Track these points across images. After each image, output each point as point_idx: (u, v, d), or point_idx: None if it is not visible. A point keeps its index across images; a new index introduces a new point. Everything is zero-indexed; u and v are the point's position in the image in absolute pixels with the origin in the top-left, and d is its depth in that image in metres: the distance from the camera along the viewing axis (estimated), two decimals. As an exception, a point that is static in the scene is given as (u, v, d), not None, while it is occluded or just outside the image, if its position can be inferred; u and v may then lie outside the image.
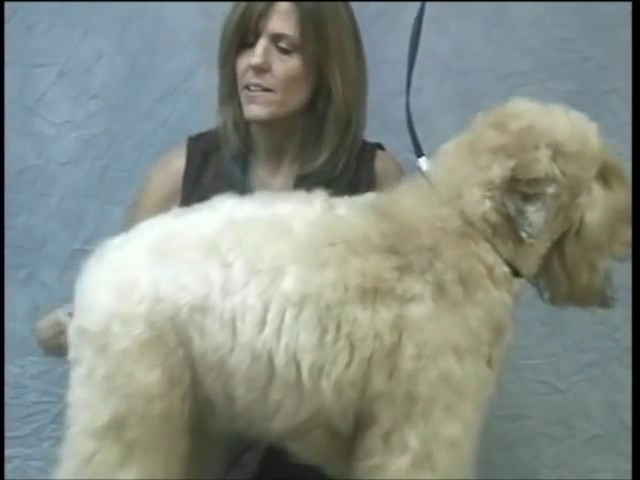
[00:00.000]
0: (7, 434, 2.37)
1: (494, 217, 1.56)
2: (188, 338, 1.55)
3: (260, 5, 1.84)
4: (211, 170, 1.97)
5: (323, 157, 1.90)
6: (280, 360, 1.53)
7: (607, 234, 1.60)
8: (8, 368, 2.37)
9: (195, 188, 1.94)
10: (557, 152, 1.56)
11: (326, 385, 1.53)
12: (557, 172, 1.56)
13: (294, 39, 1.85)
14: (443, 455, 1.53)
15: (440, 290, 1.54)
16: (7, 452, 2.38)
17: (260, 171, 1.96)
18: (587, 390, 2.35)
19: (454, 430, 1.53)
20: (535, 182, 1.54)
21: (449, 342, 1.53)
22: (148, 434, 1.55)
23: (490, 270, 1.56)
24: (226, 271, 1.55)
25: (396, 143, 2.16)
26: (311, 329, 1.52)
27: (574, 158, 1.58)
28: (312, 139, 1.92)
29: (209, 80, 2.28)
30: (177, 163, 1.99)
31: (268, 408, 1.56)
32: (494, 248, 1.57)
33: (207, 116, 2.27)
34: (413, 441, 1.53)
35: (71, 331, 1.63)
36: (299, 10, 1.85)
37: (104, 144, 2.35)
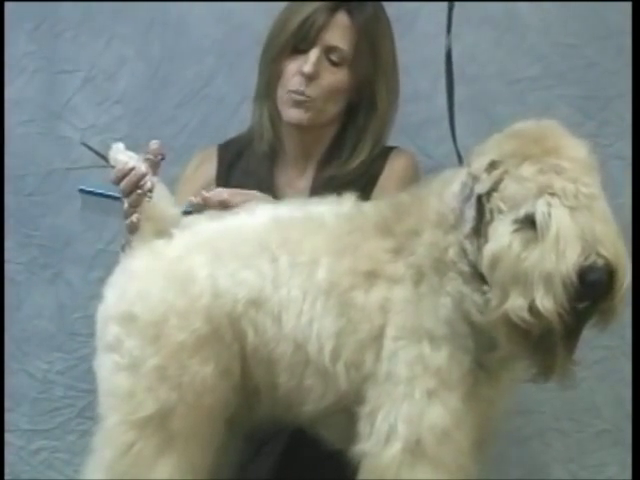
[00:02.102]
0: (35, 427, 2.43)
1: (454, 203, 1.57)
2: (243, 333, 1.59)
3: (321, 17, 1.90)
4: (241, 167, 2.03)
5: (355, 163, 1.96)
6: (312, 347, 1.59)
7: (498, 279, 1.48)
8: (35, 364, 2.42)
9: (227, 187, 1.97)
10: (507, 170, 1.50)
11: (340, 369, 1.59)
12: (486, 179, 1.51)
13: (346, 53, 1.92)
14: (432, 442, 1.55)
15: (420, 275, 1.58)
16: (35, 445, 2.43)
17: (288, 171, 2.02)
18: (595, 386, 2.36)
19: (439, 417, 1.55)
20: (470, 176, 1.54)
21: (424, 328, 1.56)
22: (192, 425, 1.57)
23: (453, 263, 1.57)
24: (274, 265, 1.60)
25: (410, 146, 2.21)
26: (334, 316, 1.58)
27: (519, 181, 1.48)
28: (346, 148, 1.98)
29: (228, 86, 2.36)
30: (209, 166, 2.05)
31: (302, 393, 1.61)
32: (459, 243, 1.56)
33: (226, 121, 2.35)
34: (400, 426, 1.55)
35: (107, 315, 1.62)
36: (356, 27, 1.91)
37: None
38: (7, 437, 2.40)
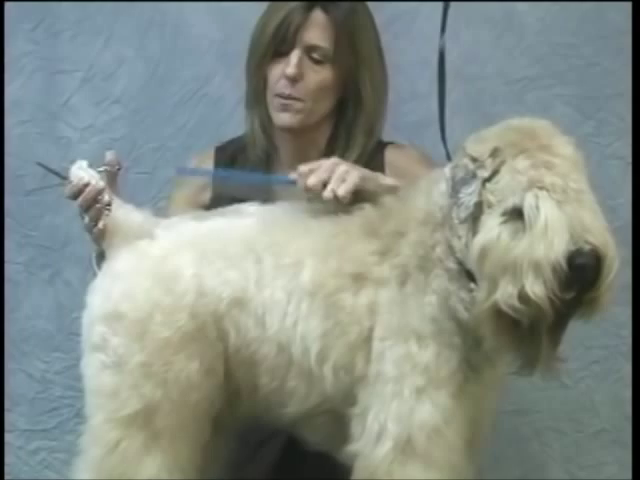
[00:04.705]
0: (33, 427, 2.43)
1: (443, 201, 1.57)
2: (226, 333, 1.61)
3: (297, 17, 1.89)
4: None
5: (350, 161, 1.92)
6: (297, 349, 1.59)
7: (486, 271, 1.48)
8: (34, 364, 2.43)
9: (224, 189, 1.98)
10: (504, 160, 1.51)
11: (327, 371, 1.59)
12: (490, 165, 1.52)
13: (328, 51, 1.91)
14: (423, 440, 1.56)
15: (405, 275, 1.59)
16: (33, 445, 2.43)
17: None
18: (593, 386, 2.37)
19: (429, 414, 1.56)
20: (472, 159, 1.54)
21: (410, 326, 1.57)
22: (177, 423, 1.59)
23: (440, 261, 1.58)
24: (259, 267, 1.61)
25: (408, 146, 2.22)
26: (320, 318, 1.59)
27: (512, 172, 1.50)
28: (339, 145, 1.98)
29: (226, 86, 2.37)
30: (207, 166, 2.05)
31: (284, 395, 1.62)
32: (447, 241, 1.57)
33: (224, 121, 2.35)
34: (390, 425, 1.56)
35: (93, 316, 1.63)
36: (334, 23, 1.90)
37: (125, 148, 2.38)
38: (6, 437, 2.40)
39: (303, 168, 1.70)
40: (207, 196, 2.03)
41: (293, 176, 1.72)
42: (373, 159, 2.00)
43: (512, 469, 2.37)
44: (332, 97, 1.96)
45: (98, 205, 1.69)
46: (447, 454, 1.57)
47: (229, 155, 2.06)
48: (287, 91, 1.91)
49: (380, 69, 1.99)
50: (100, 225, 1.69)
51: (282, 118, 1.94)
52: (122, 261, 1.66)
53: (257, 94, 1.98)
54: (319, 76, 1.92)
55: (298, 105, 1.92)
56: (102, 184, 1.71)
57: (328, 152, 1.99)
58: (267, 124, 1.99)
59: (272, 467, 1.96)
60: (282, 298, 1.60)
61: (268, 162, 2.03)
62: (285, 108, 1.93)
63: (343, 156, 1.95)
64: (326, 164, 1.70)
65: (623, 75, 2.27)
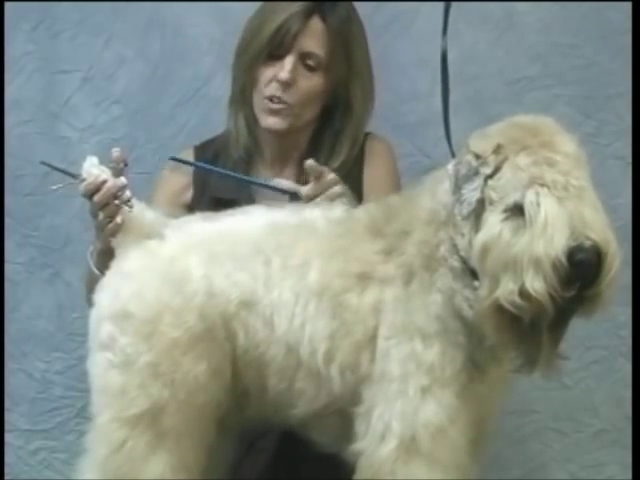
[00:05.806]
0: (33, 427, 2.43)
1: (447, 199, 1.58)
2: (234, 334, 1.61)
3: (296, 23, 1.90)
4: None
5: (335, 165, 1.96)
6: (305, 350, 1.60)
7: (488, 268, 1.48)
8: (34, 364, 2.43)
9: (204, 189, 2.02)
10: (507, 157, 1.51)
11: (334, 371, 1.60)
12: (492, 161, 1.51)
13: (322, 58, 1.93)
14: (427, 439, 1.56)
15: (410, 274, 1.59)
16: (33, 445, 2.43)
17: (265, 174, 2.02)
18: (593, 386, 2.37)
19: (433, 413, 1.56)
20: (476, 156, 1.54)
21: (415, 325, 1.57)
22: (184, 423, 1.59)
23: (444, 260, 1.58)
24: (267, 268, 1.62)
25: (408, 146, 2.23)
26: (327, 318, 1.60)
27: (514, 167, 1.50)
28: (323, 151, 1.99)
29: (227, 86, 2.36)
30: (186, 167, 2.04)
31: (293, 396, 1.62)
32: (451, 239, 1.58)
33: (224, 121, 2.34)
34: (394, 424, 1.56)
35: (101, 315, 1.63)
36: (330, 31, 1.92)
37: (125, 148, 2.35)
38: (6, 437, 2.41)
39: (312, 163, 1.80)
40: (188, 196, 2.04)
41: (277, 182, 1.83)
42: (356, 162, 2.01)
43: (512, 469, 2.38)
44: (319, 103, 1.99)
45: (117, 201, 1.68)
46: (451, 453, 1.57)
47: (211, 154, 2.07)
48: (278, 94, 1.93)
49: (369, 79, 2.02)
50: (119, 220, 1.68)
51: (270, 122, 1.96)
52: (132, 260, 1.66)
53: (244, 93, 2.00)
54: (310, 82, 1.94)
55: (288, 110, 1.94)
56: (124, 180, 1.70)
57: (310, 155, 2.00)
58: (252, 124, 2.01)
59: (268, 462, 1.96)
60: (290, 299, 1.61)
61: (250, 161, 2.05)
62: (274, 112, 1.95)
63: (327, 162, 1.96)
64: (330, 179, 1.80)
65: (623, 75, 2.27)
